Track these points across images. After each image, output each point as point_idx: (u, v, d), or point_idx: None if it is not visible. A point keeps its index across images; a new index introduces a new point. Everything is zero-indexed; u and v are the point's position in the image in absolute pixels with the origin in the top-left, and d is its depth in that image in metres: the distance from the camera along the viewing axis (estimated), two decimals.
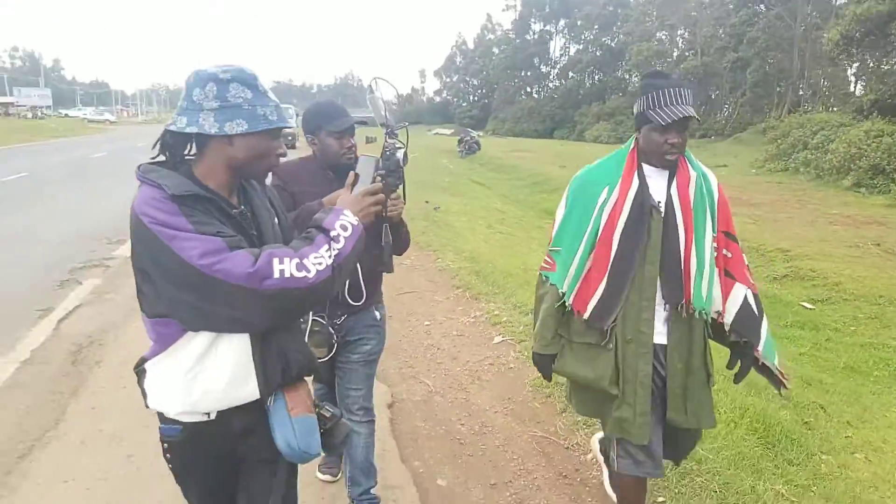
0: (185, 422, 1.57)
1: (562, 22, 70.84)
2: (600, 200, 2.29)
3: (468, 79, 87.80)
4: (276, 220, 1.69)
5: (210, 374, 1.51)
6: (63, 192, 12.82)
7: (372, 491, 2.72)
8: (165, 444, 1.63)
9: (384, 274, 2.42)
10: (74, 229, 8.81)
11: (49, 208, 10.80)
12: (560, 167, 22.39)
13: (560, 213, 2.42)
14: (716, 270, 2.31)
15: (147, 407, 1.59)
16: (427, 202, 11.96)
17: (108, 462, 3.09)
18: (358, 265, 2.36)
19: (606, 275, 2.27)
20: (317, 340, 2.42)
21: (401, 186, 2.09)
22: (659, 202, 2.26)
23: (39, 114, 65.32)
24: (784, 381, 2.42)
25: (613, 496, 2.81)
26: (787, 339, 7.20)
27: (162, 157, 1.55)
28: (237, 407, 1.56)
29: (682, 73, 42.07)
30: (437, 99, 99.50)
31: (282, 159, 1.62)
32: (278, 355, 1.57)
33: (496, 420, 3.74)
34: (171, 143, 1.53)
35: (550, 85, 72.26)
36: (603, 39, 62.36)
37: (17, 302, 5.57)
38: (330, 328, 2.46)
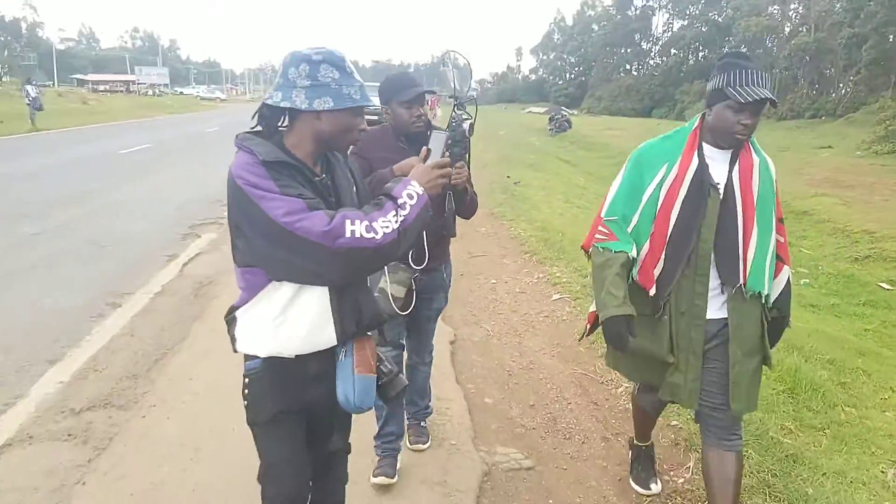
0: (265, 357, 1.74)
1: None
2: (659, 177, 2.33)
3: (565, 56, 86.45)
4: (354, 189, 1.84)
5: (294, 321, 1.68)
6: (182, 162, 14.25)
7: (426, 408, 3.19)
8: (247, 380, 1.79)
9: (458, 238, 2.71)
10: (193, 192, 9.97)
11: (171, 175, 12.13)
12: None
13: (615, 186, 2.46)
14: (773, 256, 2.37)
15: (235, 351, 1.78)
16: (508, 177, 12.47)
17: (224, 368, 3.86)
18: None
19: (664, 250, 2.33)
20: (400, 278, 2.50)
21: (467, 156, 2.21)
22: (718, 184, 2.28)
23: (157, 91, 70.05)
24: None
25: None
26: (856, 315, 7.28)
27: (259, 128, 1.71)
28: (315, 353, 1.73)
29: (793, 49, 39.99)
30: (533, 77, 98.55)
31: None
32: (353, 306, 1.73)
33: (543, 360, 4.27)
34: (268, 115, 1.69)
35: (651, 62, 70.17)
36: (709, 14, 59.82)
37: (149, 249, 6.64)
38: (412, 269, 2.57)
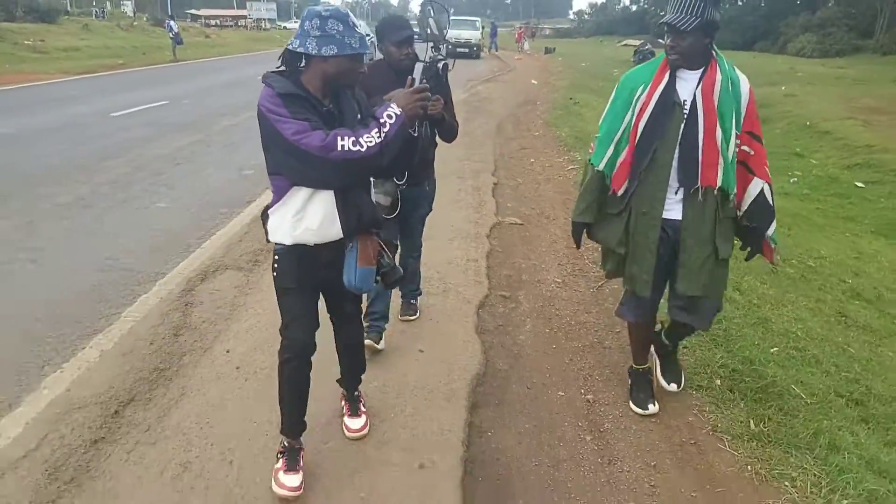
0: (290, 244, 2.21)
1: None
2: (635, 97, 2.64)
3: None
4: (359, 116, 2.20)
5: (309, 217, 2.15)
6: None
7: (416, 290, 3.84)
8: (276, 257, 2.27)
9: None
10: None
11: None
12: None
13: (607, 106, 2.79)
14: (735, 163, 2.61)
15: (267, 241, 2.27)
16: (571, 99, 15.02)
17: None
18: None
19: (632, 158, 2.67)
20: (385, 189, 2.85)
21: (445, 90, 2.69)
22: (685, 100, 2.55)
23: (264, 25, 73.33)
24: (775, 259, 2.86)
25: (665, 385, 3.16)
26: (818, 200, 9.66)
27: (283, 68, 2.11)
28: (327, 244, 2.22)
29: None
30: (634, 8, 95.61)
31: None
32: (353, 208, 2.19)
33: (548, 193, 7.16)
34: (289, 58, 2.09)
35: None
36: None
37: None
38: (396, 182, 2.99)
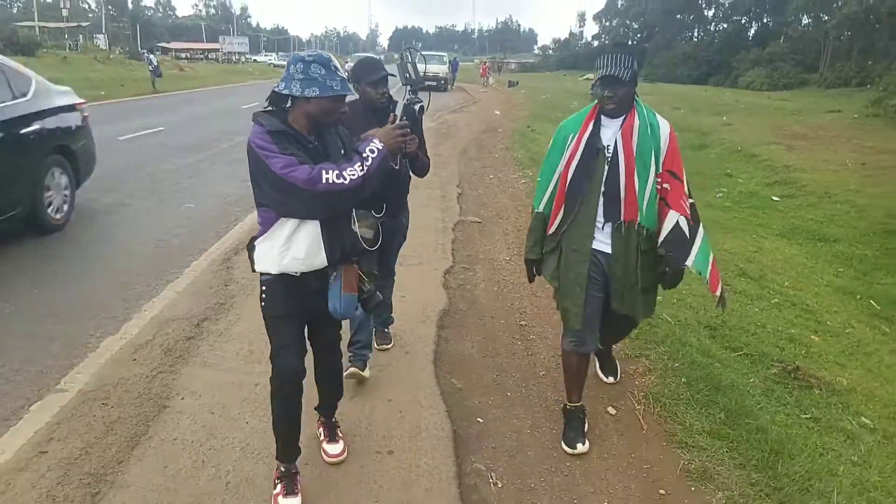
0: (277, 273, 2.36)
1: None
2: (566, 144, 2.92)
3: (628, 22, 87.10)
4: (342, 150, 2.38)
5: (295, 247, 2.30)
6: None
7: (389, 317, 3.98)
8: (263, 287, 2.41)
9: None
10: None
11: None
12: (674, 108, 25.54)
13: (545, 154, 3.08)
14: (656, 198, 2.82)
15: (253, 271, 2.43)
16: (528, 126, 16.66)
17: None
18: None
19: (564, 199, 2.92)
20: (368, 224, 2.82)
21: (419, 130, 2.96)
22: (608, 145, 2.80)
23: (234, 59, 74.28)
24: (719, 295, 2.92)
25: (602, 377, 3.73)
26: (736, 211, 11.18)
27: (271, 108, 2.28)
28: (313, 272, 2.37)
29: (841, 17, 41.23)
30: (595, 44, 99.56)
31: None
32: (338, 238, 2.35)
33: (503, 200, 8.59)
34: (275, 98, 2.27)
35: (711, 28, 71.17)
36: None
37: None
38: (376, 217, 2.96)
